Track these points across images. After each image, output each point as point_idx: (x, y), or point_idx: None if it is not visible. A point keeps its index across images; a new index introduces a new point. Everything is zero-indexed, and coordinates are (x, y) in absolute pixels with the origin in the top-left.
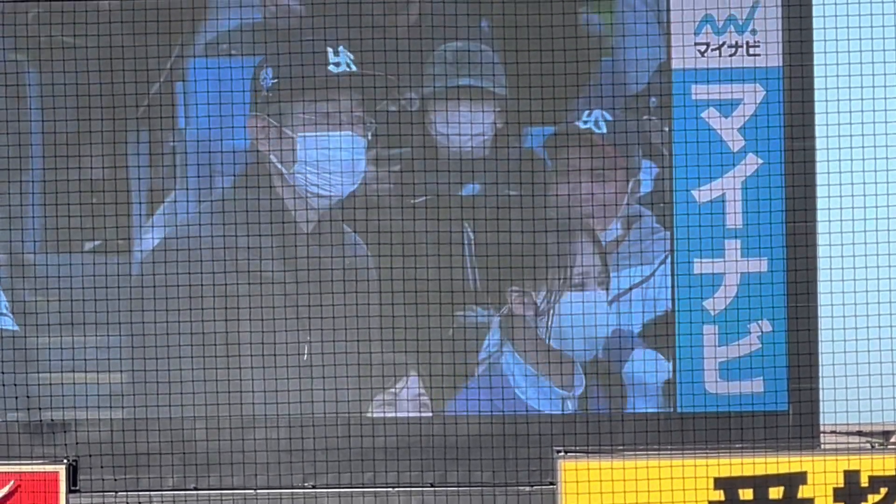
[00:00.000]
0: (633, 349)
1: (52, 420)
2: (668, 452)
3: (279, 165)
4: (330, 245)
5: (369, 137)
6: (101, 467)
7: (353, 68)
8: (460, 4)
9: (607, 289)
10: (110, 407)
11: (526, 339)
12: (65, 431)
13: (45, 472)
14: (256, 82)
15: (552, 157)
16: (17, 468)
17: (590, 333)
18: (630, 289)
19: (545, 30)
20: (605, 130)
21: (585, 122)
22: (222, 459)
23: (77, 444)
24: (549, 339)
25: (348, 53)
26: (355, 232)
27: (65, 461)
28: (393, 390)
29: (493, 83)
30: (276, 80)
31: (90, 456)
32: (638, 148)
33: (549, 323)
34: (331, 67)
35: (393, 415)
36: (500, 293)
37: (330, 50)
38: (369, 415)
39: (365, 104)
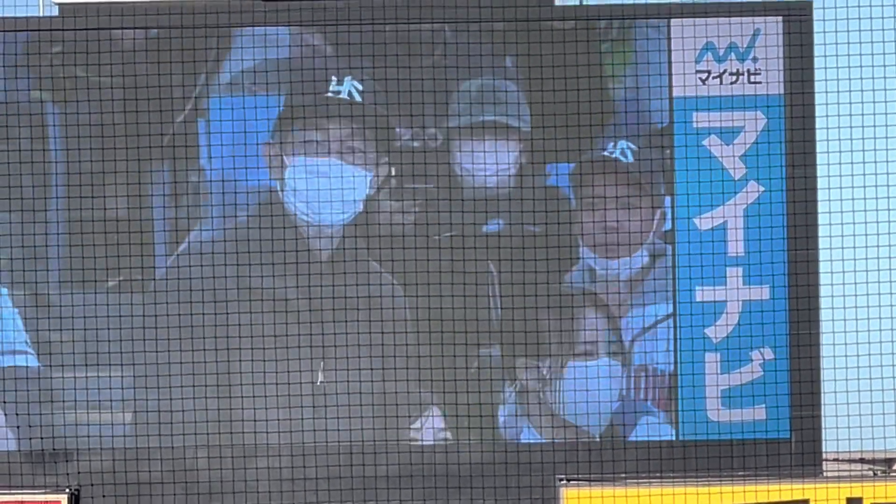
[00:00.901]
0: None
1: (54, 449)
2: (671, 480)
3: (280, 194)
4: (352, 273)
5: (374, 171)
6: (104, 496)
7: (358, 98)
8: (485, 42)
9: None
10: (112, 436)
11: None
12: (67, 461)
13: (47, 501)
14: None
15: (576, 185)
16: (19, 497)
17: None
18: (655, 324)
19: (568, 65)
20: (631, 159)
21: (612, 152)
22: (224, 489)
23: (79, 473)
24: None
25: (355, 83)
26: (377, 260)
27: (67, 490)
28: (416, 424)
29: (517, 119)
30: (284, 108)
31: (92, 485)
32: (662, 184)
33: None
34: (331, 94)
35: (395, 442)
36: (524, 333)
37: (334, 78)
38: (372, 443)
39: (365, 133)
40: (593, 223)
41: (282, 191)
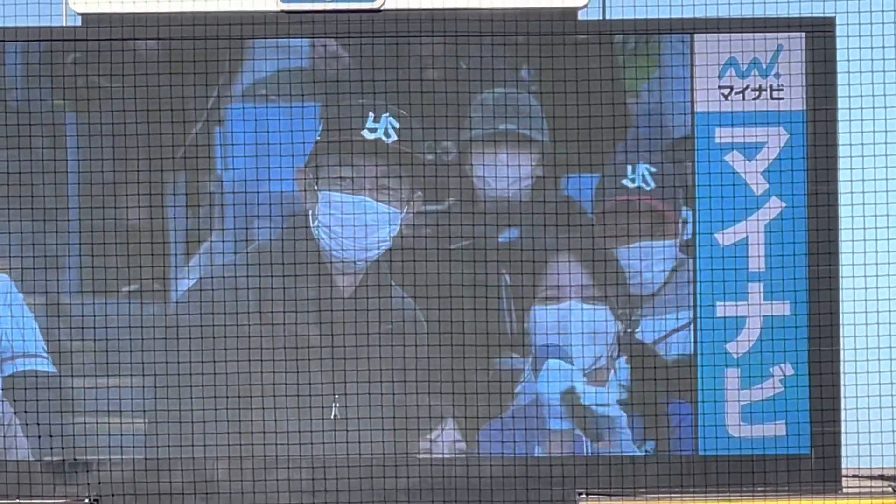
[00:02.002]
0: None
1: (74, 459)
2: (691, 495)
3: (312, 227)
4: (366, 286)
5: (404, 209)
6: None
7: (393, 137)
8: (499, 53)
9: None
10: (133, 447)
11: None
12: (87, 471)
13: None
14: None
15: (598, 212)
16: None
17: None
18: (669, 333)
19: (585, 77)
20: (653, 185)
21: (633, 180)
22: (245, 500)
23: (100, 483)
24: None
25: (392, 120)
26: (390, 273)
27: (87, 501)
28: (429, 436)
29: (534, 130)
30: (318, 139)
31: (112, 496)
32: (684, 200)
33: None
34: (365, 133)
35: (416, 455)
36: (534, 335)
37: (371, 114)
38: (392, 455)
39: (402, 169)
40: (615, 237)
41: (313, 223)
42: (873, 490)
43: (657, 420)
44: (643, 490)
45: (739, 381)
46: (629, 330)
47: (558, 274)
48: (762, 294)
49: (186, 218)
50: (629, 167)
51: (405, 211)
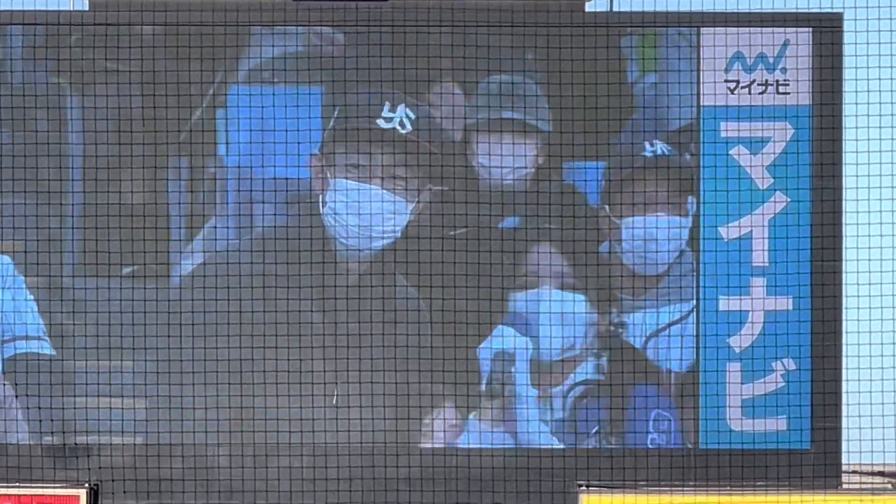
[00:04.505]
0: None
1: (75, 444)
2: (691, 489)
3: (322, 214)
4: (370, 275)
5: (416, 201)
6: (124, 492)
7: (408, 128)
8: (504, 37)
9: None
10: (134, 432)
11: (559, 373)
12: (88, 455)
13: (66, 496)
14: (328, 120)
15: (607, 191)
16: (39, 491)
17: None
18: (669, 325)
19: (588, 64)
20: (669, 153)
21: (651, 151)
22: (245, 486)
23: (100, 468)
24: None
25: (408, 111)
26: (395, 262)
27: (86, 485)
28: (428, 420)
29: (537, 117)
30: (335, 127)
31: (112, 480)
32: (689, 190)
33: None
34: (380, 122)
35: (416, 444)
36: (537, 326)
37: (388, 104)
38: (394, 444)
39: (415, 160)
40: (621, 219)
41: (323, 209)
42: (874, 486)
43: (658, 413)
44: (644, 483)
45: (741, 375)
46: (628, 321)
47: (538, 264)
48: (765, 289)
49: (189, 203)
50: (647, 143)
51: (415, 202)
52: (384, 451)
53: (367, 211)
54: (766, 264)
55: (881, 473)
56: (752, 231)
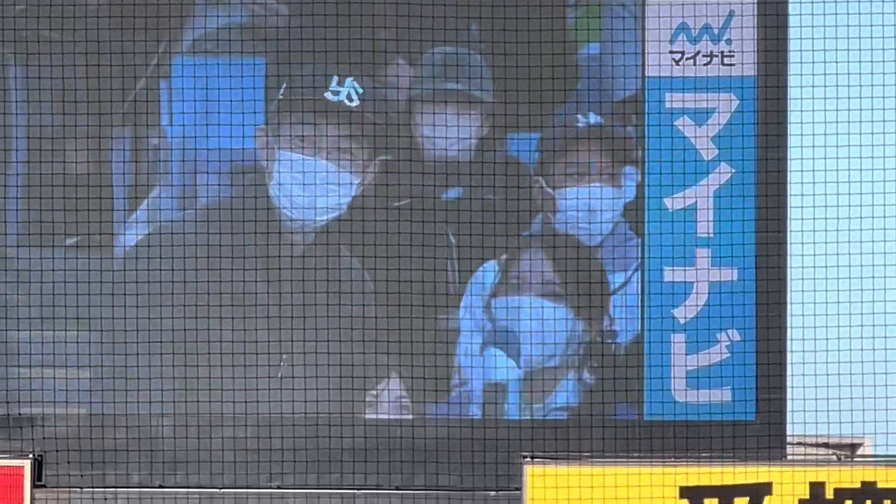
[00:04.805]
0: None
1: (19, 414)
2: (635, 460)
3: (267, 183)
4: (313, 245)
5: (362, 173)
6: (68, 462)
7: (356, 101)
8: (449, 8)
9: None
10: (78, 402)
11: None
12: (31, 426)
13: (10, 467)
14: (274, 91)
15: (540, 162)
16: None
17: (560, 339)
18: (610, 293)
19: (533, 35)
20: (600, 121)
21: (585, 123)
22: (189, 458)
23: (44, 438)
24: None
25: (356, 85)
26: (339, 232)
27: (30, 456)
28: (374, 392)
29: (481, 88)
30: (282, 98)
31: (56, 451)
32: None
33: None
34: (328, 95)
35: (361, 415)
36: (482, 297)
37: (336, 77)
38: (338, 415)
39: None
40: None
41: (270, 182)
42: (818, 457)
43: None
44: (588, 454)
45: (686, 346)
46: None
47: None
48: (710, 259)
49: (133, 174)
50: (580, 115)
51: (362, 174)
52: (328, 423)
53: (314, 182)
54: (711, 235)
55: (825, 445)
56: (696, 202)
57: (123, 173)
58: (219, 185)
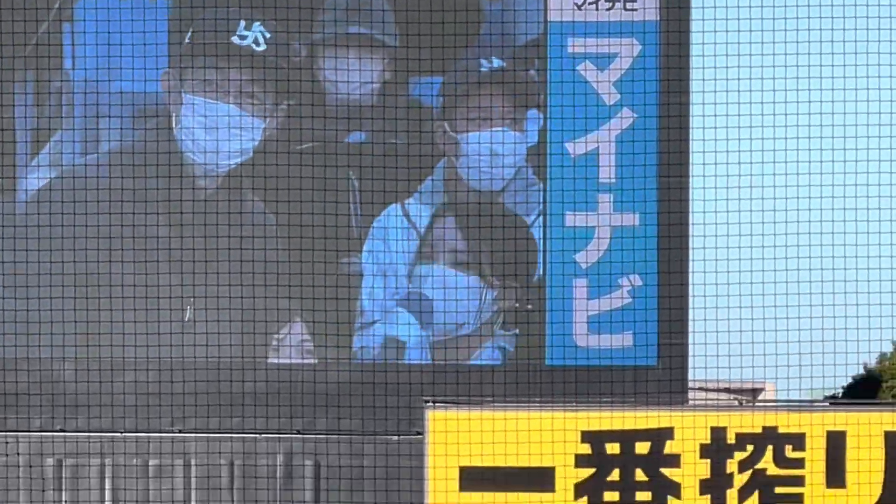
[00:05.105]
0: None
1: None
2: (537, 405)
3: (172, 119)
4: (218, 189)
5: (266, 117)
6: None
7: (262, 46)
8: None
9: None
10: None
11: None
12: None
13: None
14: (179, 35)
15: (442, 106)
16: None
17: (461, 283)
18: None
19: None
20: (502, 65)
21: (484, 67)
22: (91, 401)
23: None
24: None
25: (262, 30)
26: (242, 176)
27: None
28: (277, 336)
29: (383, 32)
30: (188, 42)
31: None
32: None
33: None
34: (235, 39)
35: (263, 360)
36: (384, 241)
37: (243, 22)
38: (240, 360)
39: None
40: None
41: (176, 126)
42: (720, 402)
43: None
44: (490, 399)
45: (588, 290)
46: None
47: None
48: (612, 204)
49: (35, 118)
50: (483, 59)
51: (266, 118)
52: (230, 367)
53: (218, 126)
54: (613, 180)
55: (727, 390)
56: (598, 147)
57: (25, 117)
58: (122, 128)
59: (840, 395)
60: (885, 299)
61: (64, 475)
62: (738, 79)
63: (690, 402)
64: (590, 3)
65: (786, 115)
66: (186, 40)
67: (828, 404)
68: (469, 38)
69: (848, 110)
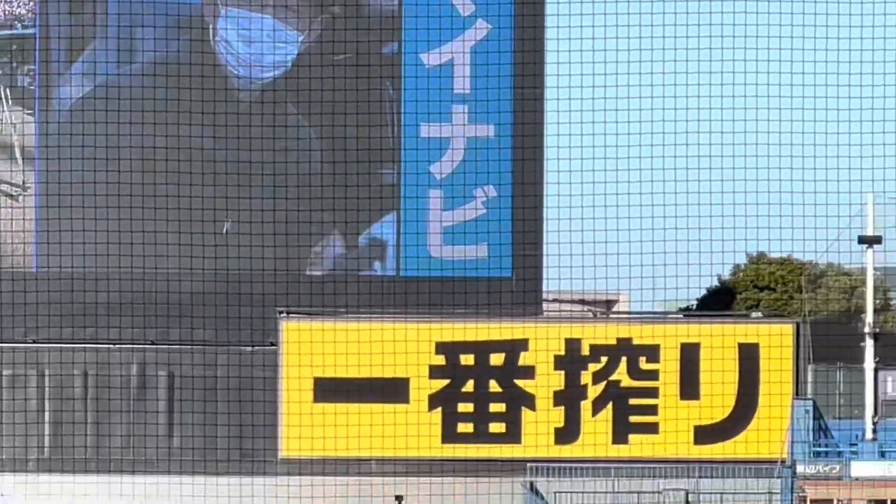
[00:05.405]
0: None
1: None
2: (391, 315)
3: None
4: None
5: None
6: None
7: None
8: None
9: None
10: None
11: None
12: None
13: None
14: None
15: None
16: None
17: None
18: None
19: None
20: None
21: None
22: None
23: None
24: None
25: None
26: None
27: None
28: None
29: None
30: None
31: None
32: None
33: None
34: None
35: (115, 269)
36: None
37: None
38: (93, 269)
39: None
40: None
41: (214, 38)
42: (574, 314)
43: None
44: (343, 309)
45: (442, 201)
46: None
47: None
48: (466, 115)
49: (68, 26)
50: None
51: (306, 31)
52: (84, 276)
53: (255, 40)
54: (468, 91)
55: (581, 301)
56: (453, 58)
57: (59, 25)
58: (155, 38)
59: (694, 307)
60: (738, 210)
61: None
62: None
63: (545, 314)
64: None
65: (640, 26)
66: None
67: (682, 316)
68: None
69: (700, 21)
